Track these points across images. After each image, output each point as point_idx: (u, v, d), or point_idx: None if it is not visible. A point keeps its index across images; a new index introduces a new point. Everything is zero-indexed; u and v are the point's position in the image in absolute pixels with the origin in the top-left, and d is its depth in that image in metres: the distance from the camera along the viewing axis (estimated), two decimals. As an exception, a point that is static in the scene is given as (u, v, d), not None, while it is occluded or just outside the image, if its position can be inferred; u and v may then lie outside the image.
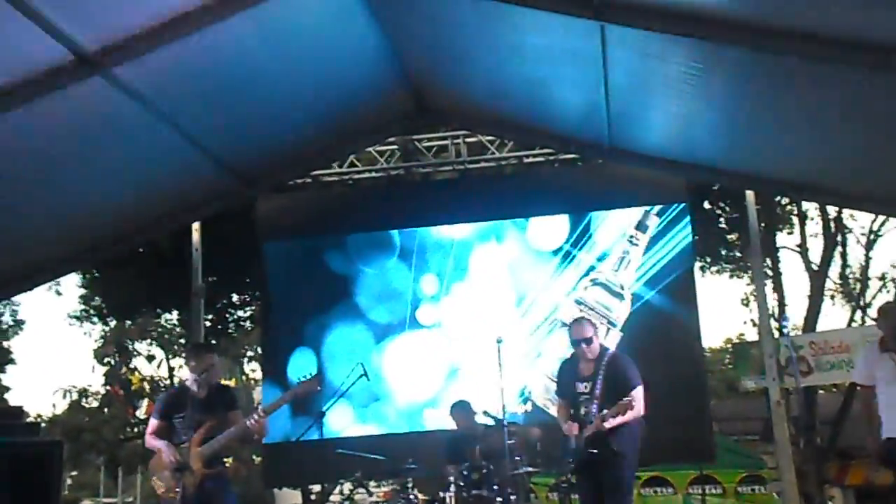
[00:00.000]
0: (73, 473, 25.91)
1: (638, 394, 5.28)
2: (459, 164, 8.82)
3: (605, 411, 5.15)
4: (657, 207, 8.10)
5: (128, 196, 6.57)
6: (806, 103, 5.26)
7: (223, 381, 6.13)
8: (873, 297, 16.28)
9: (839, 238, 15.79)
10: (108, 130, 5.53)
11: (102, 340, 13.24)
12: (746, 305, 16.74)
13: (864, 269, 16.12)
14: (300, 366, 8.11)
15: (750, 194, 7.74)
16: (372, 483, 10.23)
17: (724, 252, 14.90)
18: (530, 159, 8.72)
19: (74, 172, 5.81)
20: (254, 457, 10.22)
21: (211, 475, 5.14)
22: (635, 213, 8.16)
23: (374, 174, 8.94)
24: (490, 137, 8.55)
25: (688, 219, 8.06)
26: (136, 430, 12.61)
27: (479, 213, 8.48)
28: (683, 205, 8.07)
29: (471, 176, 8.98)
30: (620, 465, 5.25)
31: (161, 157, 6.21)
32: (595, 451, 5.22)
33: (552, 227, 8.31)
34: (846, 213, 15.56)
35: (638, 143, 7.01)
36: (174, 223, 7.61)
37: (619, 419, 5.17)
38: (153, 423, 5.43)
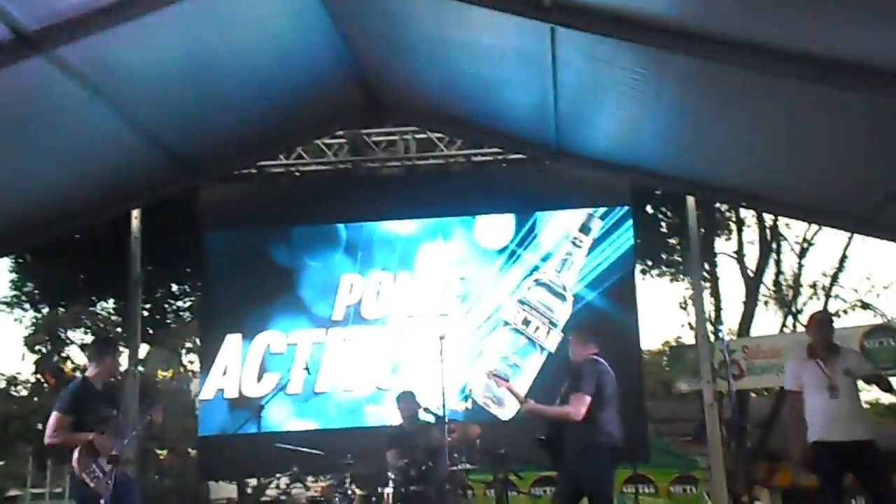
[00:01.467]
0: (1, 463, 25.15)
1: (576, 398, 5.38)
2: (408, 159, 8.82)
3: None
4: (601, 210, 8.22)
5: (66, 180, 6.40)
6: (748, 113, 5.40)
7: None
8: (804, 304, 16.73)
9: (774, 246, 16.20)
10: (48, 112, 5.38)
11: (34, 328, 12.87)
12: (684, 309, 17.03)
13: (797, 276, 16.56)
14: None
15: (690, 200, 7.91)
16: (310, 478, 10.16)
17: (664, 256, 15.18)
18: (478, 158, 8.78)
19: (10, 152, 5.63)
20: (189, 450, 10.05)
21: (120, 471, 5.17)
22: (579, 215, 8.26)
23: (321, 167, 8.88)
24: (439, 135, 8.57)
25: (630, 222, 8.19)
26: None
27: (427, 210, 8.49)
28: (627, 208, 8.21)
29: (419, 172, 8.98)
30: (578, 462, 5.36)
31: (103, 141, 6.07)
32: (542, 437, 5.52)
33: (498, 226, 8.36)
34: (781, 221, 15.98)
35: (585, 146, 7.10)
36: (114, 210, 7.43)
37: (540, 407, 5.62)
38: (63, 418, 5.21)
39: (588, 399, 5.36)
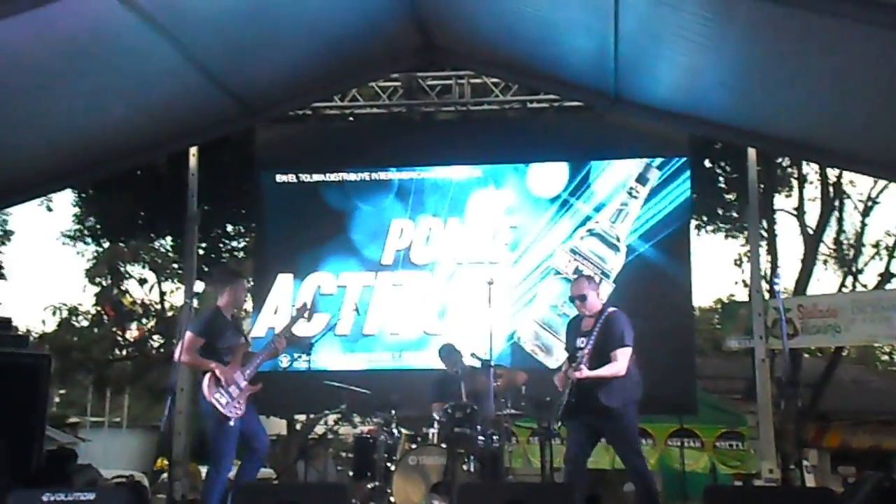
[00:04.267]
0: (62, 391, 26.17)
1: (622, 353, 5.36)
2: (462, 105, 8.71)
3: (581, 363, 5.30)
4: (658, 160, 8.05)
5: (126, 115, 6.50)
6: (817, 60, 5.20)
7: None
8: (865, 264, 16.36)
9: (836, 203, 15.78)
10: (110, 46, 5.44)
11: (95, 261, 13.23)
12: (739, 266, 16.77)
13: (860, 235, 16.14)
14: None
15: (752, 152, 7.69)
16: (357, 418, 10.36)
17: (721, 212, 14.88)
18: (534, 104, 8.62)
19: (72, 87, 5.73)
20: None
21: (256, 391, 5.63)
22: (635, 164, 8.11)
23: (375, 110, 8.84)
24: (495, 80, 8.44)
25: (688, 173, 8.02)
26: (125, 351, 12.73)
27: (480, 156, 8.41)
28: (685, 159, 8.02)
29: (473, 118, 8.88)
30: (616, 419, 5.36)
31: (163, 77, 6.14)
32: (573, 400, 5.37)
33: (551, 175, 8.26)
34: (845, 178, 15.55)
35: (644, 94, 6.93)
36: (172, 146, 7.55)
37: (594, 373, 5.33)
38: (194, 339, 5.60)
39: (630, 352, 5.33)
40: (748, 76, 5.90)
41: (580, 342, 5.53)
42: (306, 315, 6.05)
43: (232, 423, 5.44)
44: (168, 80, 6.20)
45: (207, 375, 5.50)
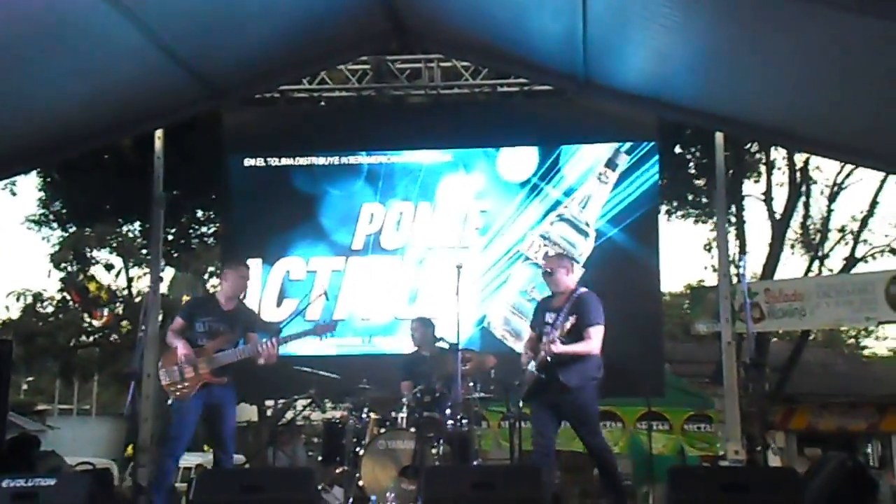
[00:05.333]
0: (29, 379, 25.86)
1: (595, 331, 5.39)
2: (432, 88, 8.65)
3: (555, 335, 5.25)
4: (627, 145, 8.07)
5: (88, 95, 6.34)
6: (788, 44, 5.19)
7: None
8: (831, 249, 16.60)
9: (803, 189, 15.98)
10: (71, 26, 5.29)
11: (60, 246, 13.02)
12: (709, 251, 16.94)
13: (826, 220, 16.36)
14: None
15: (719, 136, 7.73)
16: (327, 404, 10.33)
17: (690, 197, 15.00)
18: (504, 88, 8.59)
19: (32, 67, 5.58)
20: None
21: (217, 384, 5.48)
22: (605, 149, 8.12)
23: (344, 93, 8.76)
24: (465, 63, 8.39)
25: (656, 158, 8.04)
26: (91, 338, 12.56)
27: (450, 141, 8.39)
28: (653, 143, 8.05)
29: (443, 102, 8.82)
30: (574, 397, 5.37)
31: (125, 58, 5.98)
32: (543, 376, 5.36)
33: (521, 159, 8.25)
34: (812, 164, 15.75)
35: (613, 78, 6.90)
36: (136, 128, 7.42)
37: (569, 347, 5.30)
38: (177, 321, 5.70)
39: (603, 331, 5.36)
40: (716, 60, 5.90)
41: (549, 317, 5.54)
42: (321, 335, 6.08)
43: (183, 406, 5.39)
44: (131, 60, 6.06)
45: (169, 352, 5.52)
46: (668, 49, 5.91)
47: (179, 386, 5.39)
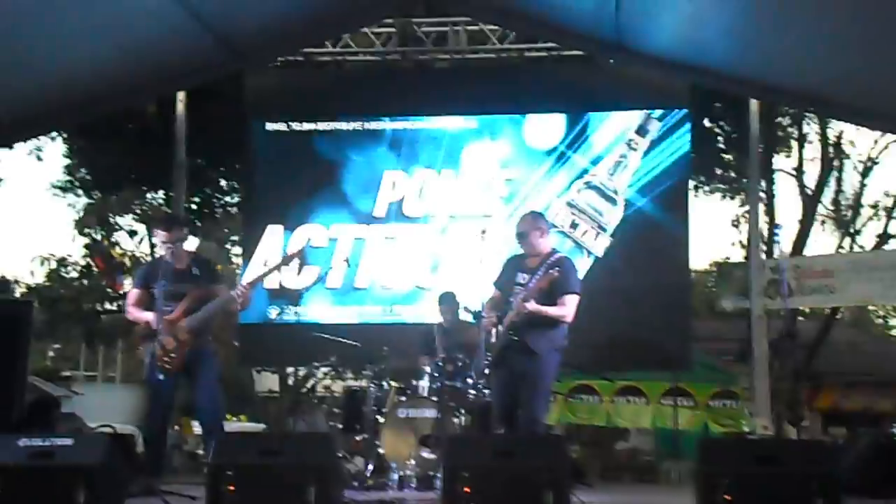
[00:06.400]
0: (56, 346, 26.12)
1: (571, 299, 5.11)
2: (458, 53, 8.48)
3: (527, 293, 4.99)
4: (658, 112, 7.87)
5: (109, 56, 6.25)
6: (828, 6, 4.99)
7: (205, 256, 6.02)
8: (863, 225, 16.25)
9: (836, 163, 15.63)
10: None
11: (84, 212, 13.05)
12: (736, 227, 16.63)
13: (858, 196, 16.00)
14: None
15: (754, 104, 7.51)
16: (347, 373, 10.29)
17: (719, 172, 14.70)
18: (532, 53, 8.38)
19: (52, 26, 5.49)
20: (235, 343, 10.30)
21: (197, 346, 5.12)
22: (635, 116, 7.93)
23: (368, 58, 8.61)
24: (492, 27, 8.20)
25: (688, 126, 7.85)
26: (115, 304, 12.61)
27: (475, 107, 8.24)
28: (685, 111, 7.84)
29: (469, 67, 8.64)
30: (540, 365, 5.06)
31: (147, 16, 5.88)
32: (515, 338, 5.04)
33: (548, 126, 8.09)
34: (845, 138, 15.39)
35: (645, 43, 6.71)
36: (158, 90, 7.33)
37: (544, 308, 5.00)
38: (133, 293, 5.33)
39: (578, 300, 5.11)
40: (753, 24, 5.71)
41: (521, 278, 5.15)
42: (287, 264, 5.64)
43: (161, 378, 5.02)
44: (153, 20, 5.95)
45: (138, 327, 5.17)
46: (703, 12, 5.73)
47: (166, 359, 5.03)
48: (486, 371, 5.50)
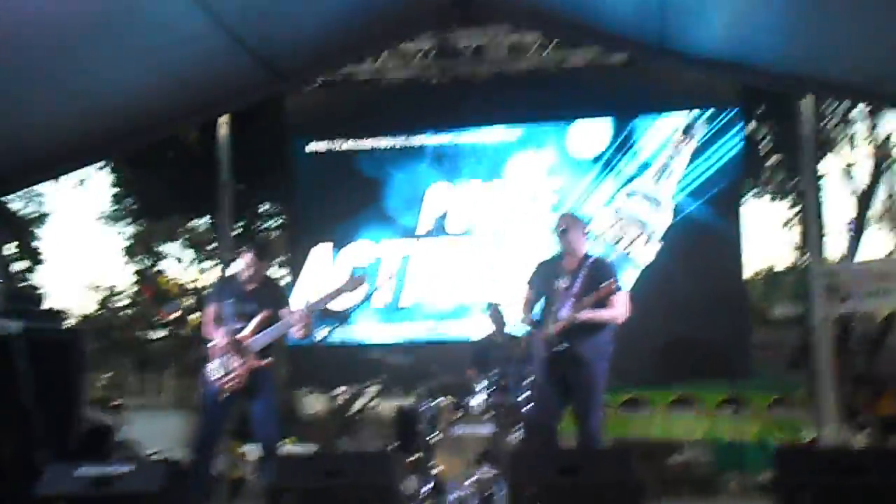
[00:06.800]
0: (107, 375, 26.51)
1: (620, 297, 4.96)
2: (498, 63, 8.39)
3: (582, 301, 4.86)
4: (707, 113, 7.70)
5: (152, 83, 6.28)
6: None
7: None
8: (916, 226, 15.78)
9: (886, 163, 15.21)
10: (132, 6, 5.23)
11: (133, 241, 13.21)
12: (788, 228, 16.23)
13: (912, 195, 15.55)
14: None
15: (806, 102, 7.29)
16: (397, 391, 10.21)
17: (764, 175, 14.41)
18: (574, 60, 8.26)
19: (95, 53, 5.52)
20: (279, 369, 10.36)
21: (261, 367, 5.11)
22: (682, 119, 7.76)
23: (407, 73, 8.57)
24: (531, 37, 8.10)
25: (740, 125, 7.67)
26: (164, 331, 12.70)
27: (517, 117, 8.16)
28: (736, 110, 7.66)
29: (510, 76, 8.54)
30: (590, 372, 4.96)
31: (188, 40, 5.89)
32: (565, 345, 4.92)
33: (594, 133, 7.96)
34: (895, 138, 14.98)
35: (691, 43, 6.53)
36: (202, 115, 7.34)
37: (596, 313, 4.90)
38: (209, 310, 5.36)
39: (627, 298, 4.96)
40: (802, 16, 5.52)
41: (562, 283, 5.00)
42: (350, 290, 5.59)
43: (220, 399, 5.05)
44: (195, 44, 5.96)
45: (211, 343, 5.19)
46: (749, 8, 5.57)
47: (226, 378, 5.06)
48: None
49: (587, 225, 5.28)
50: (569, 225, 5.16)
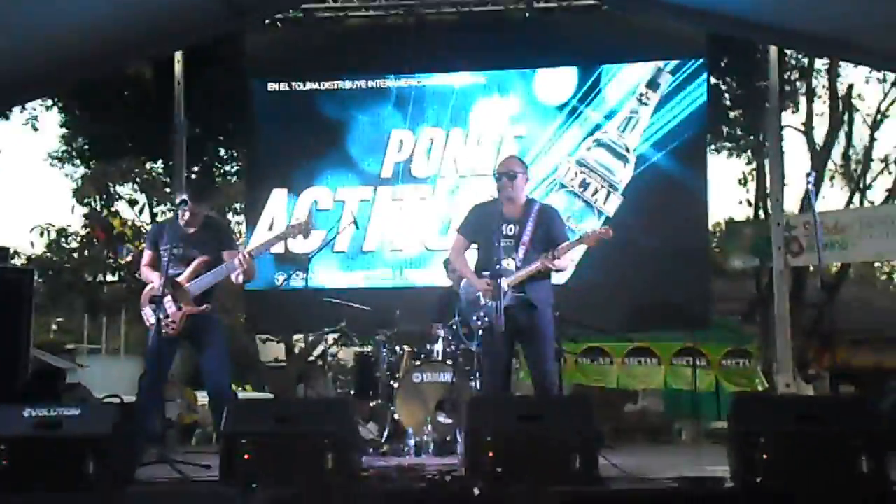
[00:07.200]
0: (59, 319, 26.01)
1: (569, 246, 4.83)
2: (464, 6, 8.18)
3: (551, 252, 4.75)
4: (672, 64, 7.61)
5: (105, 15, 6.02)
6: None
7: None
8: (873, 180, 16.02)
9: (845, 118, 15.34)
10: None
11: (83, 181, 12.83)
12: (744, 185, 16.37)
13: (868, 150, 15.73)
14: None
15: (773, 51, 7.24)
16: (356, 338, 10.15)
17: (725, 129, 14.45)
18: (540, 4, 8.08)
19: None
20: (238, 314, 10.14)
21: (201, 313, 4.97)
22: (648, 68, 7.67)
23: (371, 13, 8.32)
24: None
25: (704, 76, 7.59)
26: (117, 274, 12.42)
27: (483, 62, 7.98)
28: (701, 61, 7.57)
29: (476, 20, 8.33)
30: (541, 316, 4.90)
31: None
32: (522, 294, 4.82)
33: (559, 80, 7.83)
34: (854, 92, 15.10)
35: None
36: (156, 49, 7.08)
37: (562, 261, 4.82)
38: (146, 253, 5.26)
39: None
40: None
41: (509, 229, 4.87)
42: (294, 236, 5.40)
43: (160, 344, 4.88)
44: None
45: (147, 288, 5.09)
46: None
47: (169, 323, 4.91)
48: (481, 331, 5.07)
49: (525, 171, 5.08)
50: (517, 168, 5.00)
